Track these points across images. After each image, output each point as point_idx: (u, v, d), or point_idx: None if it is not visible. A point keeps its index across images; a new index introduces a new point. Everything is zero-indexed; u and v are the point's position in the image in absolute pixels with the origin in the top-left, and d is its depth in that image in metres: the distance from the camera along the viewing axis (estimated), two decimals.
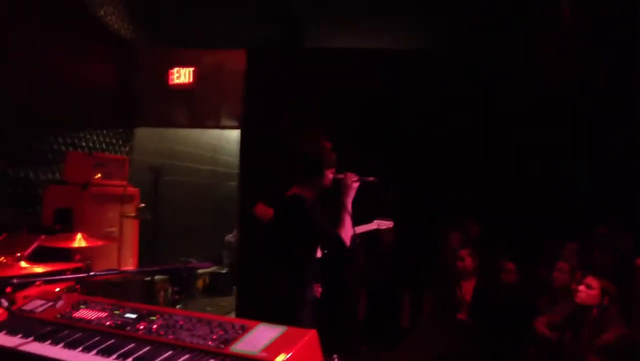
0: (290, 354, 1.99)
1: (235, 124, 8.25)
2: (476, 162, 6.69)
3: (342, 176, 3.68)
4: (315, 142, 3.70)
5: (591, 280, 4.39)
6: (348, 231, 3.54)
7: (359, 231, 4.51)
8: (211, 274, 9.23)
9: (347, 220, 3.55)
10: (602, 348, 4.15)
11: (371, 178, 3.77)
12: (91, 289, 4.34)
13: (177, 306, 3.40)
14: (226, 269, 9.51)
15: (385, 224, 5.12)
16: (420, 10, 7.40)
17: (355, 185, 3.67)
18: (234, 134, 8.61)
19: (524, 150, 6.57)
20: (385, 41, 7.80)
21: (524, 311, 5.21)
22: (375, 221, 5.06)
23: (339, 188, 3.69)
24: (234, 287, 8.15)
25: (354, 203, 3.75)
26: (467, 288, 5.66)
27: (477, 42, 7.19)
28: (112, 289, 4.98)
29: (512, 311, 5.27)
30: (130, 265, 6.32)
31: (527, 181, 6.46)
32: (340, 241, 3.47)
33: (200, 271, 8.82)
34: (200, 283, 9.08)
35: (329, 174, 3.65)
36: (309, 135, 3.75)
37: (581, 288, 4.41)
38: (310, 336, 2.12)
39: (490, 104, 6.74)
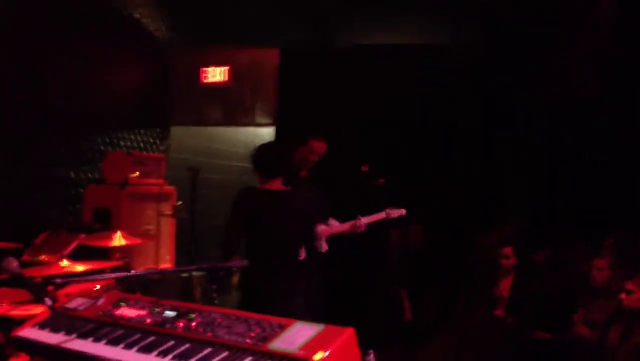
0: (328, 352, 1.99)
1: (270, 121, 8.28)
2: (512, 159, 6.60)
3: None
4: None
5: (630, 285, 4.32)
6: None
7: (369, 221, 4.85)
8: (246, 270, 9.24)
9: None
10: None
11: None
12: (130, 286, 4.41)
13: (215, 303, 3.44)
14: None
15: (395, 212, 5.16)
16: (452, 5, 7.32)
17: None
18: (268, 132, 8.64)
19: (558, 147, 6.48)
20: (419, 36, 7.73)
21: (563, 308, 5.15)
22: (385, 210, 5.11)
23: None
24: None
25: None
26: (505, 285, 5.62)
27: (509, 39, 7.08)
28: (150, 286, 5.06)
29: (550, 308, 5.20)
30: (167, 262, 6.39)
31: (562, 179, 6.36)
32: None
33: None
34: (235, 279, 9.13)
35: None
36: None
37: (622, 295, 4.34)
38: (347, 334, 2.12)
39: (524, 101, 6.64)
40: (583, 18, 6.49)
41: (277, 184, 4.23)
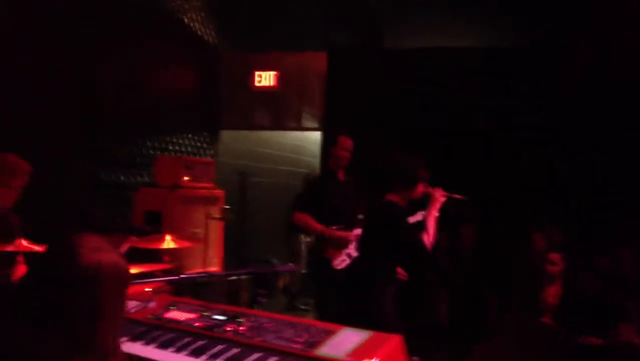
0: (375, 359, 1.99)
1: (317, 125, 8.31)
2: (559, 163, 6.49)
3: (431, 190, 4.17)
4: (413, 159, 4.19)
5: None
6: (430, 238, 3.96)
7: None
8: (291, 274, 9.29)
9: (431, 229, 3.99)
10: None
11: (459, 196, 4.28)
12: (178, 288, 4.47)
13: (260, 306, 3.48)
14: (306, 270, 9.53)
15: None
16: (500, 7, 7.23)
17: (442, 200, 4.15)
18: (315, 136, 8.68)
19: (603, 149, 6.34)
20: (468, 39, 7.67)
21: (613, 314, 5.04)
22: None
23: (428, 200, 4.17)
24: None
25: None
26: (552, 291, 5.52)
27: (560, 39, 6.95)
28: (198, 288, 5.11)
29: (600, 314, 5.09)
30: (215, 265, 6.46)
31: (607, 184, 6.22)
32: (423, 246, 3.88)
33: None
34: (281, 283, 9.18)
35: (420, 188, 4.14)
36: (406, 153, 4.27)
37: None
38: (395, 341, 2.12)
39: (572, 103, 6.51)
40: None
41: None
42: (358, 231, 5.08)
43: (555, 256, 5.52)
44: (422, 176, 4.19)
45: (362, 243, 4.32)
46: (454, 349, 6.04)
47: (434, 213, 4.08)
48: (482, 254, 6.34)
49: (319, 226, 5.04)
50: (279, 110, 8.45)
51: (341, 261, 5.03)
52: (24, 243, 3.68)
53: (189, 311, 2.60)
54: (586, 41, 6.67)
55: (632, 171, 6.11)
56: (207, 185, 6.46)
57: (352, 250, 5.05)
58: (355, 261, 4.73)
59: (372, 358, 2.00)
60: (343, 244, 5.03)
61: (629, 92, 6.28)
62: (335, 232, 5.03)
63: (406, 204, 4.13)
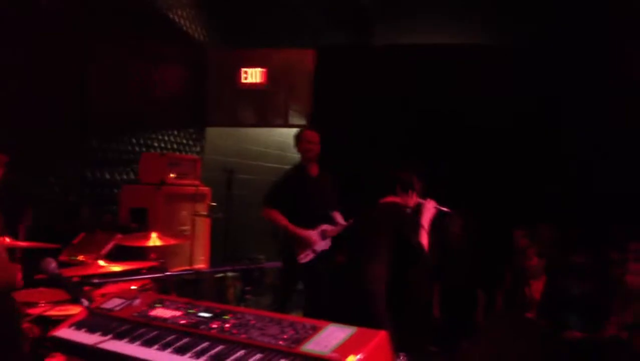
0: (361, 355, 1.98)
1: (304, 122, 8.30)
2: (548, 162, 6.50)
3: (423, 201, 4.51)
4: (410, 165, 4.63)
5: None
6: (425, 241, 4.34)
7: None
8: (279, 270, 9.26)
9: (424, 233, 4.38)
10: None
11: (447, 209, 4.59)
12: (164, 285, 4.45)
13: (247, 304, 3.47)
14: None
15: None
16: (491, 5, 7.22)
17: (433, 210, 4.50)
18: None
19: (596, 148, 6.36)
20: (457, 37, 7.66)
21: (597, 311, 5.07)
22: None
23: (420, 209, 4.52)
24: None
25: None
26: (537, 287, 5.55)
27: (553, 36, 6.94)
28: (184, 286, 5.10)
29: (584, 311, 5.13)
30: (202, 263, 6.44)
31: (599, 181, 6.25)
32: (421, 246, 4.26)
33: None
34: (268, 280, 9.15)
35: (415, 198, 4.52)
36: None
37: None
38: (380, 337, 2.11)
39: (565, 102, 6.52)
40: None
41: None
42: (323, 227, 5.17)
43: (530, 252, 5.58)
44: (416, 186, 4.54)
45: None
46: (446, 344, 6.05)
47: (428, 220, 4.46)
48: (474, 251, 6.35)
49: (284, 222, 5.17)
50: (265, 107, 8.43)
51: (305, 256, 5.11)
52: (8, 240, 3.65)
53: (174, 309, 2.57)
54: (585, 41, 6.67)
55: (631, 172, 6.14)
56: (194, 182, 6.43)
57: (317, 246, 5.12)
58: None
59: (357, 354, 1.99)
60: (305, 242, 5.08)
61: (629, 92, 6.29)
62: (297, 230, 5.12)
63: (405, 205, 4.49)
